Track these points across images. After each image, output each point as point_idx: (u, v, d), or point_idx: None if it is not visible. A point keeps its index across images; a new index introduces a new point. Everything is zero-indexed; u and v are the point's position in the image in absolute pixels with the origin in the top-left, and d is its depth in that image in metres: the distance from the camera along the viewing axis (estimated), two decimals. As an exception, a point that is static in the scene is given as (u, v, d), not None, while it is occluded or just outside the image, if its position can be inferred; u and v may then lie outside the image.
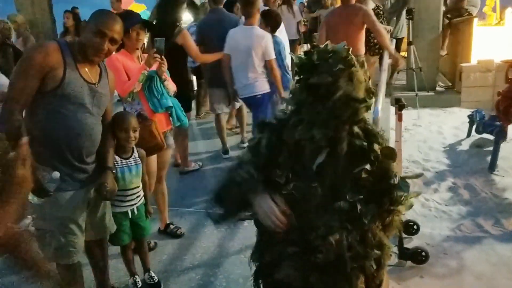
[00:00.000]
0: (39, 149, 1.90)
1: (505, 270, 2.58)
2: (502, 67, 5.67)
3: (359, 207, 1.58)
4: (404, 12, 6.74)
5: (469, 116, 4.90)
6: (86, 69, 2.00)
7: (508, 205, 3.35)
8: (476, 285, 2.47)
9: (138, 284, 2.59)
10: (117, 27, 2.00)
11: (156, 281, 2.63)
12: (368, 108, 1.63)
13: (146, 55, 2.85)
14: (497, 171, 3.94)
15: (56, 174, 1.94)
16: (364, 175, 1.59)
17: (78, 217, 2.07)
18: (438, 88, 6.82)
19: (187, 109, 4.02)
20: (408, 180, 1.71)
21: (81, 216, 2.09)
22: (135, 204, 2.46)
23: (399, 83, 7.31)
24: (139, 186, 2.47)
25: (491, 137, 4.31)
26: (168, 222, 3.26)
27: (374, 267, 1.69)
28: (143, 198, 2.53)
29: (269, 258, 1.78)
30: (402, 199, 1.63)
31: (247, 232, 3.17)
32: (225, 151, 4.92)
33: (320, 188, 1.63)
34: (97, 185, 2.10)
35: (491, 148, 4.21)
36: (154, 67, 2.75)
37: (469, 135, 4.88)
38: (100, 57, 2.02)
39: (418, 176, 1.77)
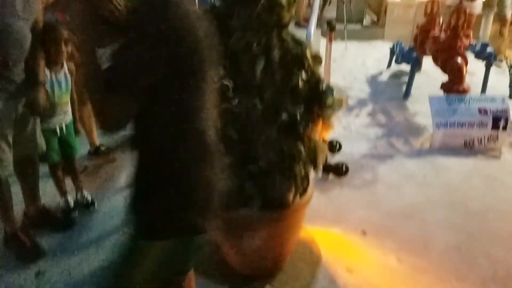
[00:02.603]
0: None
1: (412, 180, 2.96)
2: (423, 3, 6.00)
3: (298, 117, 1.69)
4: None
5: (390, 48, 5.22)
6: None
7: (417, 128, 3.75)
8: (387, 193, 2.81)
9: (70, 204, 2.56)
10: None
11: (89, 200, 2.62)
12: (290, 16, 1.72)
13: None
14: (411, 99, 4.33)
15: None
16: (300, 85, 1.69)
17: (5, 130, 1.96)
18: (365, 22, 7.07)
19: None
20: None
21: (8, 129, 1.98)
22: (63, 121, 2.37)
23: (329, 15, 7.43)
24: (67, 102, 2.37)
25: (408, 69, 4.67)
26: (97, 144, 3.18)
27: (303, 170, 1.87)
28: (71, 115, 2.44)
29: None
30: (329, 103, 1.79)
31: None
32: None
33: (260, 104, 1.70)
34: (28, 100, 1.99)
35: (407, 79, 4.58)
36: None
37: (389, 65, 5.23)
38: None
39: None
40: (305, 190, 1.95)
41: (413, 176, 3.01)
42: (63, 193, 2.56)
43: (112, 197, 2.73)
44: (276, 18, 1.64)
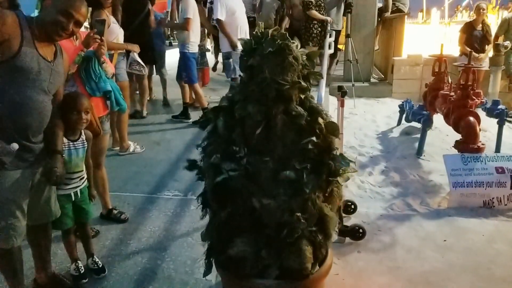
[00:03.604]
0: None
1: (431, 243, 2.85)
2: (429, 61, 6.15)
3: (304, 175, 1.69)
4: (342, 5, 7.04)
5: (399, 106, 5.28)
6: (43, 46, 1.92)
7: (433, 186, 3.68)
8: (407, 257, 2.70)
9: (81, 270, 2.49)
10: (84, 10, 1.97)
11: (100, 266, 2.55)
12: (304, 89, 1.79)
13: (83, 32, 2.73)
14: (424, 156, 4.30)
15: (14, 146, 1.82)
16: (310, 147, 1.72)
17: (21, 199, 1.97)
18: (372, 80, 7.24)
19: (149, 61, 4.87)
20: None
21: (24, 198, 1.99)
22: (78, 186, 2.37)
23: (337, 74, 7.64)
24: (83, 169, 2.39)
25: (419, 125, 4.68)
26: (110, 207, 3.17)
27: (320, 237, 1.82)
28: (86, 180, 2.45)
29: (222, 236, 1.84)
30: (340, 171, 1.78)
31: (194, 215, 3.19)
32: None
33: (271, 161, 1.72)
34: (46, 169, 2.01)
35: (418, 135, 4.58)
36: (92, 48, 2.65)
37: (399, 123, 5.26)
38: (62, 37, 1.96)
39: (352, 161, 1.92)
40: (324, 258, 1.88)
41: (433, 239, 2.90)
42: (74, 259, 2.51)
43: (123, 262, 2.66)
44: (276, 93, 1.69)
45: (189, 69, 5.41)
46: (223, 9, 5.17)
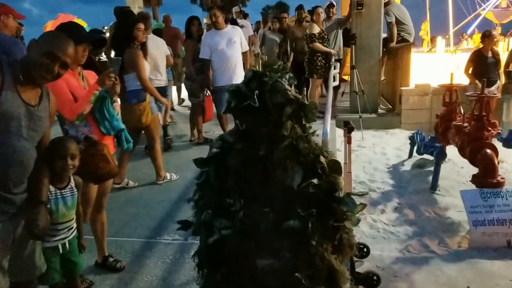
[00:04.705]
0: None
1: (454, 291, 2.60)
2: (438, 90, 6.00)
3: (310, 224, 1.52)
4: (340, 33, 7.08)
5: (410, 138, 5.08)
6: (26, 90, 1.79)
7: (451, 224, 3.43)
8: (427, 308, 2.45)
9: (70, 329, 2.29)
10: (70, 51, 1.86)
11: (91, 324, 2.35)
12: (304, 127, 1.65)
13: (87, 72, 2.66)
14: (439, 191, 4.06)
15: None
16: (312, 190, 1.55)
17: (1, 256, 1.79)
18: (380, 111, 7.08)
19: None
20: (354, 197, 1.70)
21: (5, 254, 1.81)
22: (67, 237, 2.19)
23: (343, 105, 7.52)
24: (73, 219, 2.22)
25: (431, 158, 4.47)
26: (106, 254, 2.97)
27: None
28: (76, 230, 2.27)
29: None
30: (346, 214, 1.61)
31: (193, 263, 2.97)
32: None
33: (271, 212, 1.55)
34: (27, 221, 1.85)
35: (431, 168, 4.36)
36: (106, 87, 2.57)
37: (410, 155, 5.05)
38: (47, 80, 1.84)
39: (363, 193, 1.74)
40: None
41: (455, 285, 2.65)
42: (62, 318, 2.30)
43: (117, 318, 2.45)
44: (286, 132, 1.57)
45: None
46: (205, 48, 5.39)
